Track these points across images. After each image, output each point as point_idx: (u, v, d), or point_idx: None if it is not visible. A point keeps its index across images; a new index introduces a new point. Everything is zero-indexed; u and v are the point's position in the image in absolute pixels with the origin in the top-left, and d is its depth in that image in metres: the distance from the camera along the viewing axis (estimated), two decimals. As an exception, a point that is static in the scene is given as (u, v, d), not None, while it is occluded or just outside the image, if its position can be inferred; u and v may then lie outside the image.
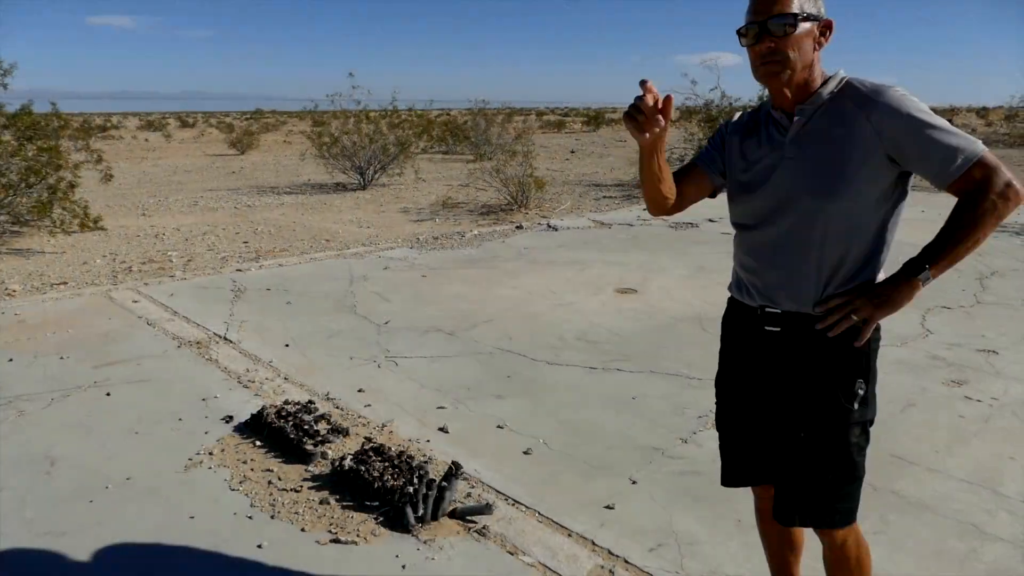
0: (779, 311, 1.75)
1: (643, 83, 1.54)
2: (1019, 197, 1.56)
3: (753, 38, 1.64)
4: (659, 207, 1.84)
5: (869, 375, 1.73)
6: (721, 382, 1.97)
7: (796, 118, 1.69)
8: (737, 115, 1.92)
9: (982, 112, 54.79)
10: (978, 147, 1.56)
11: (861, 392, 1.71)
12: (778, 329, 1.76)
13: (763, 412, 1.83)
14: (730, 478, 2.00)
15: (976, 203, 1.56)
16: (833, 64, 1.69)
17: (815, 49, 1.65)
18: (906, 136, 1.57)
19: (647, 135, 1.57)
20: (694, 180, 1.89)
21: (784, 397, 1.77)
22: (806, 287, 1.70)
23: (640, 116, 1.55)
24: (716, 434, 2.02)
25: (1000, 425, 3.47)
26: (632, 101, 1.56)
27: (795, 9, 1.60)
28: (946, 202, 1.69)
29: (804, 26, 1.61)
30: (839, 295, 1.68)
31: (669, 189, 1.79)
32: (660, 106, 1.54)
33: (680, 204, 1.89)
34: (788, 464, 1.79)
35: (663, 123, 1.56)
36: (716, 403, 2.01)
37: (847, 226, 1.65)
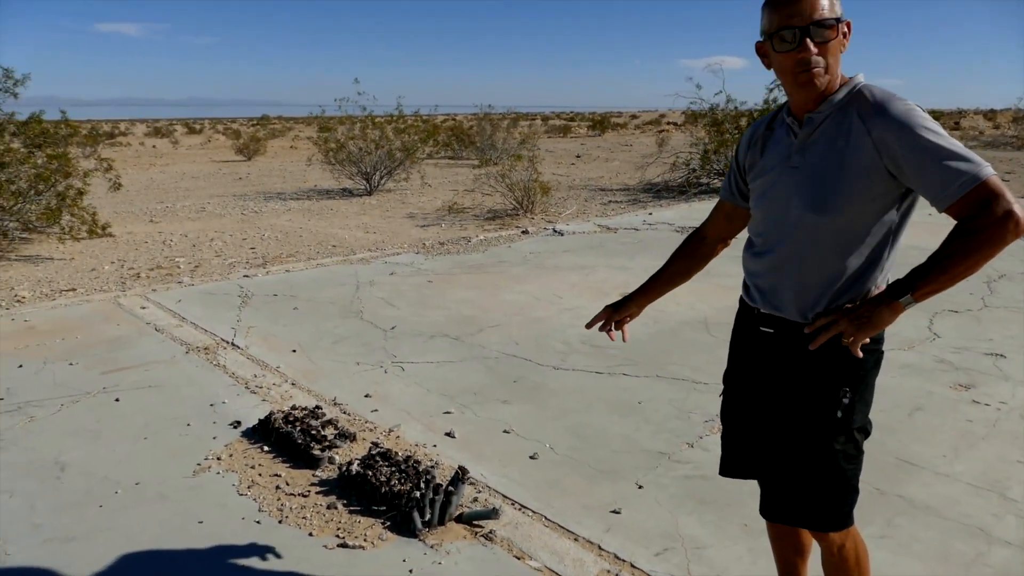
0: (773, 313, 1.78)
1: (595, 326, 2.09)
2: (1020, 228, 1.43)
3: (792, 43, 1.56)
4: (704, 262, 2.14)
5: (858, 384, 1.70)
6: (727, 377, 2.01)
7: (804, 127, 1.65)
8: (751, 128, 1.87)
9: (989, 114, 54.58)
10: (983, 171, 1.45)
11: (846, 400, 1.69)
12: (771, 331, 1.79)
13: (757, 409, 1.87)
14: (725, 468, 2.03)
15: (971, 230, 1.45)
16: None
17: (840, 52, 1.62)
18: (904, 153, 1.51)
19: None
20: (727, 215, 2.03)
21: (774, 397, 1.80)
22: (803, 297, 1.70)
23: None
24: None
25: (1007, 429, 3.46)
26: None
27: (837, 13, 1.55)
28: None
29: (841, 29, 1.58)
30: (824, 314, 1.66)
31: (688, 271, 2.12)
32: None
33: (727, 239, 2.09)
34: (771, 461, 1.83)
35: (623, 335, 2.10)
36: (722, 396, 2.04)
37: (844, 239, 1.63)
